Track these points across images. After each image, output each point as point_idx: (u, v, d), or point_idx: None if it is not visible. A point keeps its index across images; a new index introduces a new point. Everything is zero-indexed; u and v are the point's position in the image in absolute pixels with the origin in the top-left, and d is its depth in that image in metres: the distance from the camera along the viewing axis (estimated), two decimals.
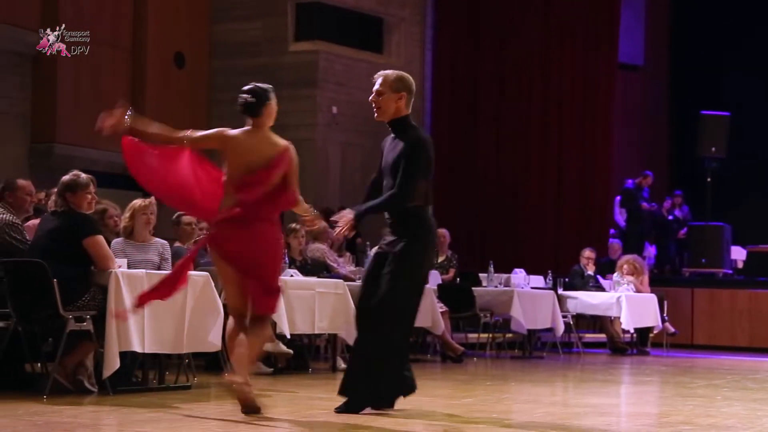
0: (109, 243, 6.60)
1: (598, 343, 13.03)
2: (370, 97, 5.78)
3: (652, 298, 12.40)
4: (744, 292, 13.86)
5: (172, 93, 14.96)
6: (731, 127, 15.45)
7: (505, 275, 11.68)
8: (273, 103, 5.63)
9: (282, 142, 5.62)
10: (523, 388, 7.91)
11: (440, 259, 11.69)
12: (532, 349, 11.52)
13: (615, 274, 12.65)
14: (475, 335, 11.35)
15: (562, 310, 11.62)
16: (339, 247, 11.03)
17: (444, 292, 10.61)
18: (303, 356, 8.50)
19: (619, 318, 11.97)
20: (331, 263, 10.17)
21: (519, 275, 11.58)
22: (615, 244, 14.27)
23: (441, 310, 10.08)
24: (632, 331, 12.25)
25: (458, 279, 11.66)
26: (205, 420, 5.51)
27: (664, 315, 12.70)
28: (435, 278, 10.98)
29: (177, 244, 8.05)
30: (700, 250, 14.90)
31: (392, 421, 5.39)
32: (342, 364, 8.49)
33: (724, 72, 17.99)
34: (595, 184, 15.69)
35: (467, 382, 8.27)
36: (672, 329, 12.85)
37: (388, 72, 5.81)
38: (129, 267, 6.57)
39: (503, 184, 16.06)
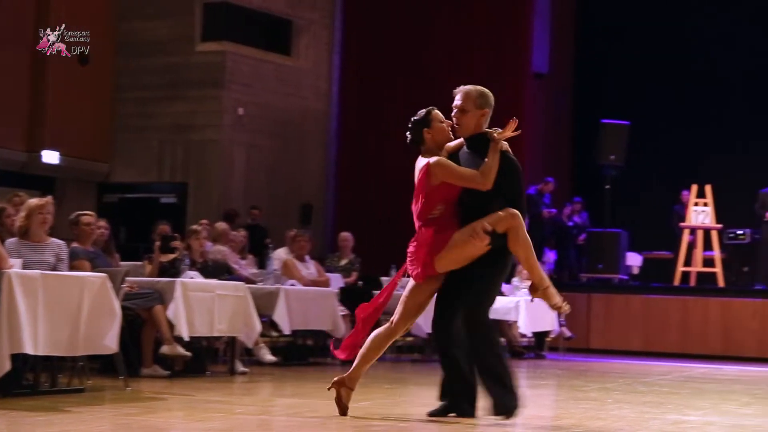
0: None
1: None
2: (453, 113, 5.72)
3: None
4: (638, 298, 14.21)
5: (75, 92, 14.73)
6: (630, 136, 15.81)
7: (406, 279, 11.73)
8: (431, 124, 5.70)
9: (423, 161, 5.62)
10: (421, 391, 7.97)
11: (343, 262, 11.75)
12: (432, 353, 11.62)
13: (515, 279, 12.85)
14: None
15: None
16: (242, 249, 11.02)
17: (346, 295, 10.66)
18: (201, 359, 8.47)
19: (516, 322, 12.17)
20: (234, 265, 10.16)
21: None
22: None
23: (342, 313, 10.13)
24: (530, 335, 12.47)
25: (361, 282, 11.70)
26: (97, 423, 5.45)
27: (561, 320, 12.95)
28: (337, 281, 11.04)
29: (74, 244, 7.94)
30: (597, 256, 15.23)
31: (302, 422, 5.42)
32: (241, 367, 8.49)
33: (626, 82, 18.39)
34: None
35: (366, 385, 8.22)
36: (568, 333, 13.11)
37: (470, 88, 5.75)
38: (24, 267, 6.45)
39: (411, 188, 16.12)
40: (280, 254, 10.57)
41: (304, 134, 16.31)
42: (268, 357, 9.23)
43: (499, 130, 5.60)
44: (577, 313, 14.16)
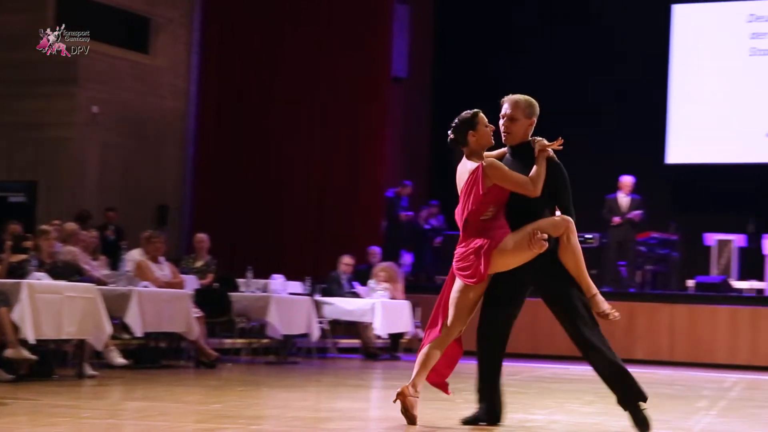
0: None
1: (352, 348, 13.28)
2: (501, 122, 5.73)
3: (405, 305, 12.77)
4: None
5: None
6: None
7: (263, 281, 11.74)
8: (477, 126, 5.68)
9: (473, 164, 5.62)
10: (274, 394, 7.97)
11: (198, 264, 11.62)
12: (288, 355, 11.63)
13: (371, 281, 12.95)
14: (231, 341, 11.34)
15: (318, 316, 11.80)
16: (93, 250, 10.79)
17: (200, 297, 10.55)
18: (48, 362, 8.25)
19: (372, 324, 12.26)
20: (85, 266, 9.94)
21: (277, 281, 11.68)
22: (374, 250, 14.59)
23: (196, 315, 10.03)
24: (385, 336, 12.58)
25: (216, 284, 11.61)
26: None
27: (417, 321, 13.11)
28: (192, 283, 10.92)
29: None
30: (452, 258, 15.41)
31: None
32: (90, 371, 8.30)
33: (484, 86, 18.70)
34: (361, 192, 15.96)
35: (219, 387, 8.25)
36: (423, 334, 13.24)
37: (519, 97, 5.78)
38: None
39: (268, 190, 16.10)
40: (134, 255, 10.39)
41: (160, 134, 16.06)
42: (119, 360, 9.06)
43: (545, 141, 5.64)
44: (429, 316, 14.34)
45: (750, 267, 15.18)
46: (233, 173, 16.14)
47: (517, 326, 5.97)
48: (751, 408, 7.86)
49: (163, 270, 10.37)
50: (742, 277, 15.01)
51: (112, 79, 15.17)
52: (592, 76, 17.82)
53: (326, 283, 12.87)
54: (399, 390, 5.72)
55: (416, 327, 13.04)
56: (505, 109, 5.77)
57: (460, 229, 5.74)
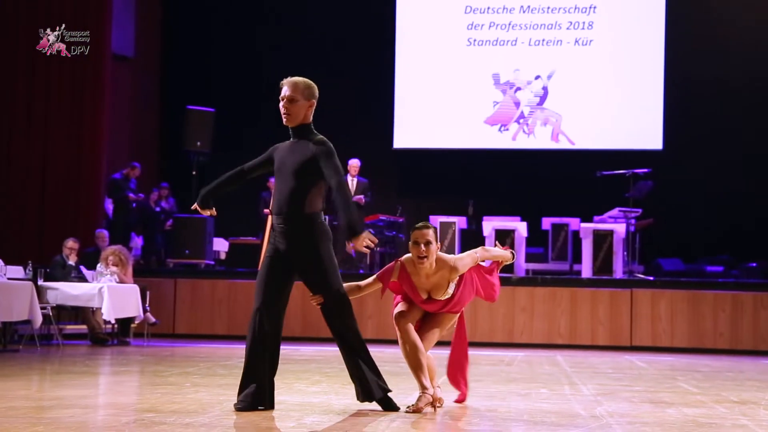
0: None
1: (79, 334, 12.92)
2: (281, 104, 5.68)
3: (134, 289, 12.54)
4: (224, 282, 14.48)
5: None
6: (216, 122, 16.04)
7: None
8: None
9: None
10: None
11: None
12: (8, 342, 11.15)
13: (99, 265, 12.64)
14: None
15: (41, 302, 11.38)
16: None
17: None
18: None
19: (100, 309, 11.97)
20: None
21: None
22: (102, 233, 14.23)
23: None
24: (113, 321, 12.31)
25: None
26: None
27: (146, 305, 12.91)
28: None
29: None
30: (184, 241, 15.31)
31: None
32: None
33: (212, 68, 18.64)
34: (83, 173, 15.49)
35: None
36: (153, 319, 13.09)
37: (298, 79, 5.79)
38: None
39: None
40: None
41: None
42: None
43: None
44: (162, 299, 14.20)
45: (470, 248, 15.86)
46: None
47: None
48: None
49: None
50: None
51: None
52: (322, 59, 18.10)
53: (50, 268, 12.43)
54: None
55: (146, 311, 12.84)
56: (285, 91, 5.87)
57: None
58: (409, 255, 6.07)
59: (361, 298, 11.75)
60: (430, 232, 5.96)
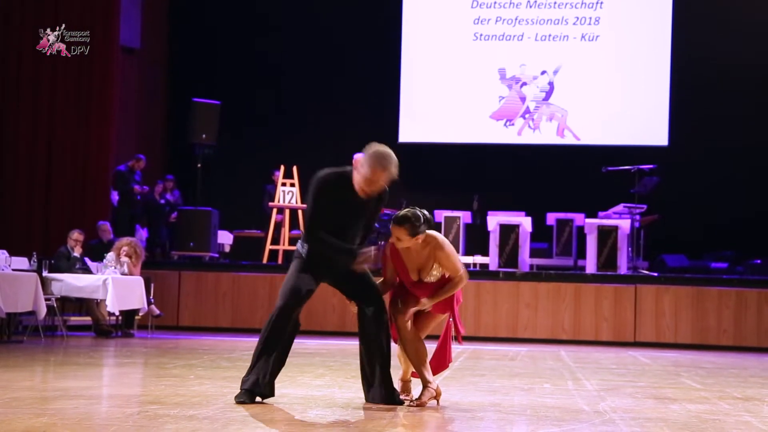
0: None
1: (83, 326, 12.94)
2: (369, 186, 5.84)
3: (138, 281, 12.55)
4: (228, 275, 14.49)
5: None
6: (221, 115, 16.05)
7: None
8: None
9: None
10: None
11: None
12: (12, 333, 11.17)
13: (110, 254, 12.66)
14: None
15: (46, 293, 11.40)
16: None
17: None
18: None
19: (105, 301, 11.98)
20: None
21: (0, 257, 11.17)
22: (104, 225, 14.25)
23: None
24: (117, 313, 12.33)
25: None
26: None
27: (150, 297, 12.93)
28: None
29: None
30: (189, 233, 15.32)
31: None
32: None
33: (218, 61, 18.64)
34: (89, 165, 15.49)
35: None
36: (157, 311, 13.10)
37: (393, 172, 5.83)
38: None
39: None
40: None
41: None
42: None
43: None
44: (167, 292, 14.21)
45: (475, 242, 15.93)
46: None
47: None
48: (470, 377, 8.27)
49: None
50: (467, 252, 15.72)
51: None
52: (328, 53, 18.11)
53: (54, 259, 12.45)
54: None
55: (150, 303, 12.86)
56: (381, 179, 5.85)
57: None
58: None
59: None
60: (402, 231, 5.94)
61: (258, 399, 5.87)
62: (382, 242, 6.47)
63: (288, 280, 5.96)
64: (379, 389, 5.91)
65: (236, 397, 5.88)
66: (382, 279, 6.17)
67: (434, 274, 6.03)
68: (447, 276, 6.04)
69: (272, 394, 5.91)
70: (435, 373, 6.17)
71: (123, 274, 12.51)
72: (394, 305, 6.05)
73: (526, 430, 5.30)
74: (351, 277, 5.94)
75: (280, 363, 5.95)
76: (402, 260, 6.04)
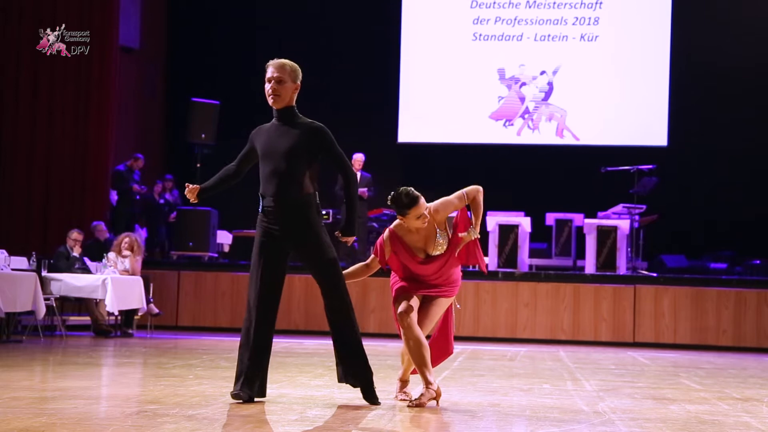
0: None
1: (83, 326, 12.94)
2: (269, 85, 5.68)
3: (138, 281, 12.55)
4: (227, 275, 14.49)
5: None
6: (220, 115, 16.04)
7: None
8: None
9: None
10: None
11: None
12: (11, 333, 11.16)
13: (110, 253, 12.67)
14: None
15: (45, 293, 11.40)
16: None
17: None
18: None
19: (104, 300, 11.98)
20: None
21: None
22: (99, 225, 14.23)
23: None
24: (116, 313, 12.33)
25: None
26: None
27: (150, 297, 12.93)
28: None
29: None
30: (188, 233, 15.33)
31: None
32: None
33: (217, 61, 18.63)
34: (88, 165, 15.49)
35: None
36: (156, 310, 13.11)
37: (284, 61, 5.80)
38: None
39: None
40: None
41: None
42: None
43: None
44: (166, 291, 14.21)
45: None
46: None
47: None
48: (470, 377, 8.27)
49: None
50: None
51: None
52: (327, 53, 18.10)
53: (53, 259, 12.45)
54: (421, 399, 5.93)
55: (149, 303, 12.86)
56: (272, 72, 5.85)
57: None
58: (396, 222, 6.09)
59: (365, 293, 11.80)
60: (420, 207, 5.93)
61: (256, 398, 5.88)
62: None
63: None
64: (336, 368, 5.96)
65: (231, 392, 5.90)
66: (365, 263, 6.16)
67: (440, 242, 6.02)
68: (456, 228, 6.06)
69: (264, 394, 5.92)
70: (438, 362, 6.18)
71: (125, 269, 12.51)
72: (398, 306, 6.04)
73: (525, 431, 5.30)
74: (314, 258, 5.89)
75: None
76: (405, 246, 6.01)
